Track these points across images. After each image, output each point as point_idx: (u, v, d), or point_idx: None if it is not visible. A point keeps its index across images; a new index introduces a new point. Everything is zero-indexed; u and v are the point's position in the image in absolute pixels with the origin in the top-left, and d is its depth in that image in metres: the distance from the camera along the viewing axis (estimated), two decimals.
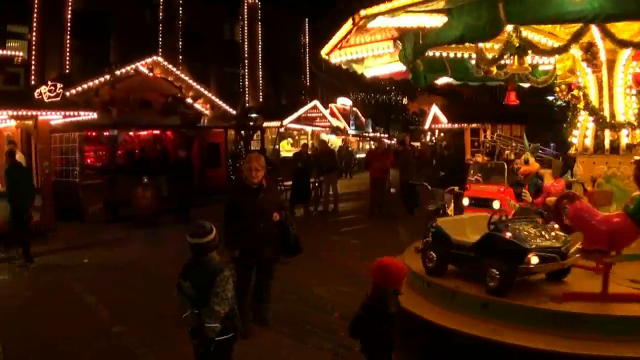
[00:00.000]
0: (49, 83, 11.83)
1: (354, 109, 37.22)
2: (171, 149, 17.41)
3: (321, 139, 23.14)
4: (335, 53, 6.70)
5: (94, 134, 16.56)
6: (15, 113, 11.34)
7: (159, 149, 17.99)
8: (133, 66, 18.03)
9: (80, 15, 19.32)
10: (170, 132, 19.14)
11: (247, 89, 27.62)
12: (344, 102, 35.81)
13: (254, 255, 5.45)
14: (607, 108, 6.43)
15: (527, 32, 6.11)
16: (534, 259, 4.65)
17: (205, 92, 20.96)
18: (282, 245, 5.67)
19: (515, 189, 7.18)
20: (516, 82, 7.66)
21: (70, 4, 19.08)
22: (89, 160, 16.27)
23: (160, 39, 22.85)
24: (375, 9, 5.16)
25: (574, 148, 6.86)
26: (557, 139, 13.45)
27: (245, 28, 27.73)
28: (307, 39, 32.76)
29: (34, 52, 18.00)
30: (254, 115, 23.01)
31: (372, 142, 36.41)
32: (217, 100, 21.29)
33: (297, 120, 26.06)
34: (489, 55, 6.67)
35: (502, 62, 6.62)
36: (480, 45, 6.58)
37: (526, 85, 7.88)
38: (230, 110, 21.84)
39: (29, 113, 11.49)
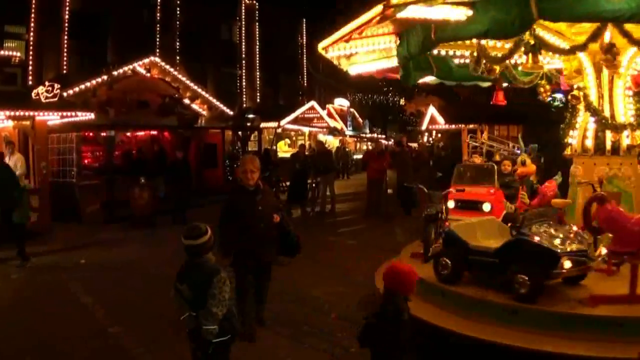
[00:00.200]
0: (47, 83, 11.83)
1: (352, 109, 37.29)
2: (168, 150, 17.37)
3: (318, 139, 23.09)
4: (334, 47, 6.56)
5: (91, 134, 16.60)
6: (12, 114, 11.34)
7: (156, 149, 17.95)
8: (130, 66, 18.01)
9: (77, 16, 19.25)
10: (168, 132, 19.16)
11: (244, 90, 27.63)
12: (341, 102, 35.81)
13: (253, 256, 5.45)
14: (607, 109, 6.43)
15: (538, 30, 5.96)
16: (567, 263, 4.57)
17: (203, 93, 20.98)
18: (281, 246, 5.69)
19: (503, 190, 7.11)
20: (502, 81, 7.55)
21: (67, 4, 19.02)
22: (86, 161, 16.24)
23: (157, 40, 22.80)
24: None
25: (569, 149, 6.82)
26: (542, 139, 13.18)
27: (243, 28, 27.73)
28: (304, 40, 32.72)
29: (31, 53, 17.91)
30: (251, 116, 23.00)
31: (369, 143, 36.48)
32: (214, 100, 21.32)
33: (295, 121, 26.09)
34: (493, 54, 6.58)
35: (513, 60, 6.50)
36: (483, 42, 6.44)
37: (526, 86, 7.77)
38: (228, 110, 21.87)
39: (27, 114, 11.49)
